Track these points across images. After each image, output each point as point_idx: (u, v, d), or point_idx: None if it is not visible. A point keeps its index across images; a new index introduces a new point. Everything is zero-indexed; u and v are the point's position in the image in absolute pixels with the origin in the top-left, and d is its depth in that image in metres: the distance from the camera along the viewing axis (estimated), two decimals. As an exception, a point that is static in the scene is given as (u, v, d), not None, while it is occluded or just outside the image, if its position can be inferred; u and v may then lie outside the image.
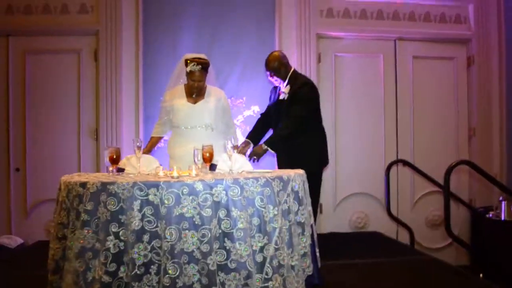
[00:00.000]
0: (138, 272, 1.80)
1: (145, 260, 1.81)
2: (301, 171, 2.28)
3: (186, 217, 1.83)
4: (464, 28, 4.43)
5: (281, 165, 3.22)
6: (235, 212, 1.88)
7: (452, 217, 4.27)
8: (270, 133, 3.38)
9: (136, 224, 1.82)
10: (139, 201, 1.83)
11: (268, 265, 1.92)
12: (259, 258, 1.92)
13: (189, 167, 2.18)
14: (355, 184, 4.26)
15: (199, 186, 1.86)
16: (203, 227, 1.83)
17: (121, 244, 1.83)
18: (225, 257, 1.86)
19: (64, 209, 2.02)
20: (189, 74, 2.92)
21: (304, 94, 3.12)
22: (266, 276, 1.91)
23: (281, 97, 3.21)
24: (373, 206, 4.28)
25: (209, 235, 1.83)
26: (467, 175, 4.41)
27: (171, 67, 3.91)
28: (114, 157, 2.35)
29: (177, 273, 1.79)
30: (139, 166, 2.40)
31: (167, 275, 1.78)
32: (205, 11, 4.08)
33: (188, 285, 1.80)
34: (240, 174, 2.07)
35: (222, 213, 1.87)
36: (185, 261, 1.81)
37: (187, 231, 1.82)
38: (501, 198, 3.87)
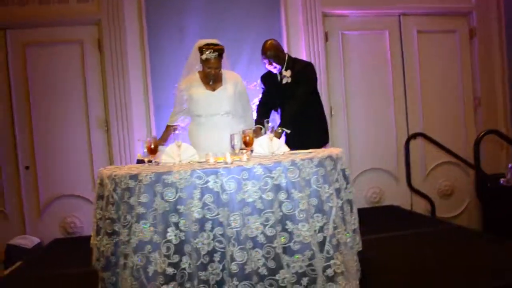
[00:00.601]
0: (203, 261, 1.76)
1: (209, 249, 1.78)
2: (339, 149, 2.27)
3: (248, 202, 1.79)
4: (465, 1, 4.47)
5: (293, 143, 3.24)
6: (295, 194, 1.85)
7: (463, 185, 4.43)
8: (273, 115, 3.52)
9: (197, 213, 1.77)
10: (199, 190, 1.78)
11: (328, 244, 1.91)
12: (319, 238, 1.90)
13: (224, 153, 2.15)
14: (368, 160, 4.30)
15: (259, 170, 1.82)
16: (266, 211, 1.80)
17: (182, 234, 1.79)
18: (288, 240, 1.84)
19: (112, 203, 1.95)
20: (205, 62, 2.86)
21: (309, 74, 3.30)
22: (327, 255, 1.90)
23: (284, 81, 3.30)
24: (386, 181, 4.34)
25: (273, 219, 1.81)
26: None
27: (178, 53, 3.86)
28: (152, 147, 2.28)
29: (245, 259, 1.76)
30: (179, 155, 2.33)
31: (235, 262, 1.75)
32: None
33: (255, 270, 1.78)
34: (292, 156, 2.04)
35: (282, 196, 1.84)
36: (250, 247, 1.78)
37: (250, 216, 1.79)
38: (510, 165, 3.98)
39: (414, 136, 4.04)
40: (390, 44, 4.35)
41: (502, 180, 4.15)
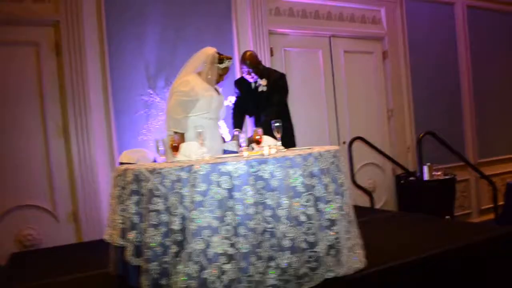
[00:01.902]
0: (259, 238, 2.01)
1: (261, 229, 2.03)
2: (337, 147, 2.70)
3: (292, 187, 2.10)
4: (379, 28, 5.36)
5: None
6: (324, 179, 2.22)
7: (381, 181, 5.24)
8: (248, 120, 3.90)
9: (251, 197, 2.01)
10: (252, 177, 2.03)
11: (346, 221, 2.31)
12: (340, 216, 2.28)
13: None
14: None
15: (298, 159, 2.14)
16: (306, 193, 2.13)
17: (238, 218, 2.01)
18: (320, 218, 2.19)
19: (158, 195, 2.07)
20: (223, 69, 3.09)
21: (283, 84, 3.75)
22: (347, 230, 2.30)
23: (260, 89, 3.66)
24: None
25: (311, 200, 2.14)
26: (389, 147, 5.36)
27: (138, 59, 3.92)
28: (175, 144, 2.43)
29: (295, 235, 2.05)
30: (195, 153, 2.49)
31: (287, 238, 2.04)
32: (169, 7, 4.13)
33: (299, 245, 2.08)
34: (313, 149, 2.40)
35: (314, 181, 2.19)
36: (295, 224, 2.08)
37: (294, 198, 2.10)
38: (423, 165, 4.88)
39: (354, 139, 4.70)
40: (323, 61, 5.00)
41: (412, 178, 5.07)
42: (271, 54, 4.64)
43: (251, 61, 3.61)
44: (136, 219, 2.20)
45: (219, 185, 2.00)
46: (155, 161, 3.40)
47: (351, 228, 2.33)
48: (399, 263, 2.46)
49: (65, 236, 3.71)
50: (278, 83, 3.66)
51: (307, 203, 2.13)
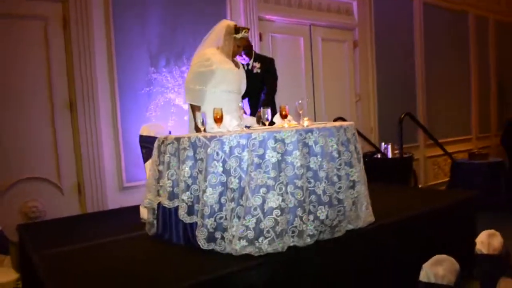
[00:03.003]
0: (305, 195, 2.38)
1: (306, 187, 2.40)
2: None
3: (329, 152, 2.50)
4: (351, 19, 5.87)
5: None
6: (350, 147, 2.64)
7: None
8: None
9: (299, 160, 2.38)
10: (301, 144, 2.40)
11: (362, 182, 2.75)
12: (358, 178, 2.71)
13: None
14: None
15: (334, 130, 2.54)
16: (339, 158, 2.54)
17: (288, 178, 2.36)
18: (347, 179, 2.61)
19: (217, 160, 2.36)
20: (239, 40, 3.09)
21: (275, 69, 4.10)
22: (362, 189, 2.74)
23: (255, 70, 3.99)
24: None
25: (343, 164, 2.56)
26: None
27: (141, 38, 4.07)
28: (219, 116, 2.70)
29: (331, 193, 2.46)
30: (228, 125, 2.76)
31: (326, 195, 2.44)
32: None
33: (332, 201, 2.49)
34: (335, 123, 2.79)
35: (342, 148, 2.60)
36: (331, 184, 2.48)
37: (331, 162, 2.49)
38: (385, 144, 5.51)
39: (336, 119, 5.18)
40: (304, 47, 5.41)
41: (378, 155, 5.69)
42: (260, 39, 4.96)
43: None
44: (190, 181, 2.48)
45: (274, 150, 2.34)
46: (170, 133, 3.62)
47: (365, 188, 2.78)
48: (398, 218, 2.96)
49: (69, 208, 3.81)
50: (271, 68, 4.03)
51: (339, 167, 2.54)
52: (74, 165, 3.84)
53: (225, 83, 3.07)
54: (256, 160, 2.32)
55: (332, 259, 2.49)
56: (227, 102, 3.06)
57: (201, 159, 2.43)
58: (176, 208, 2.60)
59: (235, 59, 3.23)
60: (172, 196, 2.60)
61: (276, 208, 2.31)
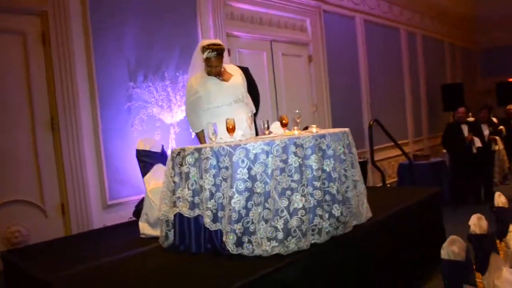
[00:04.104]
0: (322, 195, 2.59)
1: (322, 187, 2.62)
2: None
3: (338, 155, 2.75)
4: (306, 36, 6.28)
5: None
6: (352, 150, 2.92)
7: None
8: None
9: (316, 164, 2.59)
10: (317, 148, 2.62)
11: (361, 181, 3.04)
12: (359, 177, 3.00)
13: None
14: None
15: (340, 135, 2.81)
16: (345, 160, 2.80)
17: (308, 180, 2.57)
18: (352, 179, 2.88)
19: (243, 167, 2.49)
20: (205, 61, 3.10)
21: (252, 78, 4.17)
22: (362, 188, 3.03)
23: None
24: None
25: (349, 166, 2.82)
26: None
27: (119, 55, 4.06)
28: (231, 127, 2.82)
29: (343, 191, 2.71)
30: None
31: (339, 193, 2.68)
32: (145, 8, 4.33)
33: (343, 199, 2.73)
34: (335, 129, 3.06)
35: (347, 151, 2.87)
36: (341, 183, 2.73)
37: (341, 164, 2.74)
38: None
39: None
40: (267, 62, 5.69)
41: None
42: (229, 54, 5.13)
43: None
44: (214, 189, 2.57)
45: (296, 154, 2.53)
46: (162, 147, 3.65)
47: (364, 187, 3.07)
48: (389, 213, 3.29)
49: (53, 230, 3.65)
50: (249, 77, 4.17)
51: (346, 168, 2.80)
52: (57, 185, 3.70)
53: (213, 100, 3.17)
54: (280, 164, 2.49)
55: (348, 252, 2.73)
56: (222, 115, 3.06)
57: (226, 167, 2.54)
58: (196, 218, 2.67)
59: (223, 73, 3.25)
60: (193, 205, 2.67)
61: (300, 208, 2.50)
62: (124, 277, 2.43)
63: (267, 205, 2.49)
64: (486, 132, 6.22)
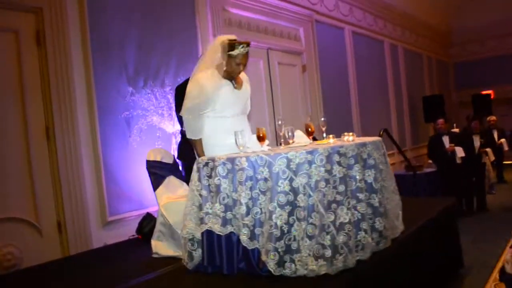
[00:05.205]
0: (365, 207, 2.42)
1: (365, 199, 2.45)
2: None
3: (377, 165, 2.58)
4: (299, 45, 6.16)
5: None
6: (387, 159, 2.77)
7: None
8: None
9: (359, 175, 2.42)
10: (359, 157, 2.45)
11: (396, 192, 2.90)
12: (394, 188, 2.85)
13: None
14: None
15: (378, 143, 2.66)
16: (383, 170, 2.64)
17: (352, 192, 2.38)
18: (390, 189, 2.73)
19: (285, 178, 2.28)
20: (235, 57, 2.67)
21: None
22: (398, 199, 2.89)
23: None
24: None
25: (387, 176, 2.67)
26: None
27: (118, 59, 3.77)
28: (261, 135, 2.61)
29: (385, 203, 2.54)
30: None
31: (381, 206, 2.51)
32: (147, 10, 4.07)
33: (386, 212, 2.57)
34: (370, 138, 2.91)
35: (384, 160, 2.72)
36: (382, 195, 2.57)
37: (379, 174, 2.58)
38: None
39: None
40: (263, 70, 5.52)
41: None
42: (227, 61, 4.92)
43: None
44: (250, 203, 2.34)
45: (339, 164, 2.34)
46: (174, 158, 3.38)
47: (399, 198, 2.91)
48: (417, 226, 3.15)
49: (50, 250, 3.28)
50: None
51: (385, 178, 2.65)
52: (52, 200, 3.34)
53: (224, 108, 2.77)
54: (325, 175, 2.30)
55: (390, 267, 2.56)
56: (225, 125, 2.77)
57: (264, 179, 2.32)
58: (228, 235, 2.43)
59: (237, 77, 2.83)
60: (225, 222, 2.42)
61: (347, 223, 2.31)
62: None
63: (311, 220, 2.27)
64: (477, 144, 6.27)
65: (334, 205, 2.30)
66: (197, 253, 2.55)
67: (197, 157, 2.72)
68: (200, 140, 2.79)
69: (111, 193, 3.64)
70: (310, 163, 2.31)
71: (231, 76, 2.79)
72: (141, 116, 3.88)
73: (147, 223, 3.51)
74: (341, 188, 2.33)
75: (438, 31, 10.99)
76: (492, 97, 10.26)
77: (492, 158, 6.59)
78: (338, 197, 2.32)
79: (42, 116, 3.31)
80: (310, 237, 2.27)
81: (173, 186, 3.11)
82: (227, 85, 2.78)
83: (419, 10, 9.47)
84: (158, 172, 3.11)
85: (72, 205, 3.37)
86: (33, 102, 3.26)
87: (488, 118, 8.02)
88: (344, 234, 2.29)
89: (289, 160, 2.30)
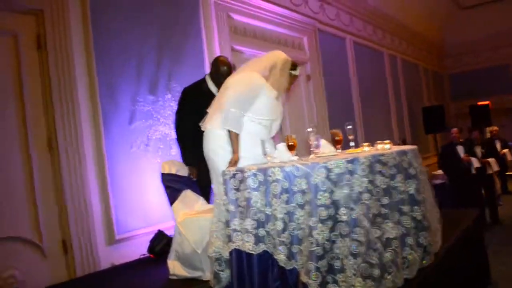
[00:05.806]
0: (411, 220, 2.23)
1: (409, 212, 2.26)
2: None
3: (414, 174, 2.39)
4: (303, 54, 6.02)
5: None
6: (423, 169, 2.59)
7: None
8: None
9: (402, 186, 2.24)
10: (400, 166, 2.26)
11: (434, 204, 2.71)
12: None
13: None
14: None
15: (416, 151, 2.47)
16: (422, 181, 2.46)
17: (395, 204, 2.19)
18: (429, 201, 2.54)
19: (324, 190, 2.07)
20: (292, 78, 2.77)
21: None
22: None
23: None
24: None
25: (426, 187, 2.49)
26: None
27: (122, 57, 3.54)
28: (291, 143, 2.42)
29: (427, 216, 2.36)
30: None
31: (426, 219, 2.32)
32: (152, 13, 3.87)
33: (429, 225, 2.38)
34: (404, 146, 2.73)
35: (422, 169, 2.53)
36: (425, 207, 2.38)
37: (414, 180, 2.38)
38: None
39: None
40: (269, 79, 5.34)
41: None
42: (234, 69, 4.74)
43: (230, 66, 3.53)
44: (287, 218, 2.13)
45: (382, 174, 2.15)
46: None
47: (437, 211, 2.72)
48: (454, 239, 2.95)
49: (54, 272, 3.00)
50: None
51: (423, 189, 2.46)
52: (56, 217, 3.07)
53: (267, 114, 2.71)
54: (369, 186, 2.10)
55: (432, 285, 2.36)
56: (255, 131, 2.71)
57: (302, 191, 2.11)
58: (261, 255, 2.20)
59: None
60: (257, 239, 2.20)
61: (393, 238, 2.11)
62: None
63: (355, 236, 2.07)
64: (479, 154, 6.16)
65: (379, 219, 2.10)
66: (225, 274, 2.33)
67: (231, 153, 2.54)
68: (238, 136, 2.59)
69: (118, 209, 3.38)
70: (351, 173, 2.11)
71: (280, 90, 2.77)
72: (149, 126, 3.65)
73: (158, 242, 3.26)
74: (385, 200, 2.14)
75: (433, 42, 11.03)
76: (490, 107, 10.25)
77: (496, 168, 6.48)
78: (383, 210, 2.12)
79: (44, 125, 3.06)
80: (355, 255, 2.06)
81: (189, 201, 2.87)
82: (273, 93, 2.72)
83: (415, 22, 9.48)
84: (173, 185, 2.87)
85: (77, 222, 3.11)
86: (33, 110, 3.01)
87: (490, 129, 7.96)
88: (391, 250, 2.09)
89: (328, 170, 2.10)
